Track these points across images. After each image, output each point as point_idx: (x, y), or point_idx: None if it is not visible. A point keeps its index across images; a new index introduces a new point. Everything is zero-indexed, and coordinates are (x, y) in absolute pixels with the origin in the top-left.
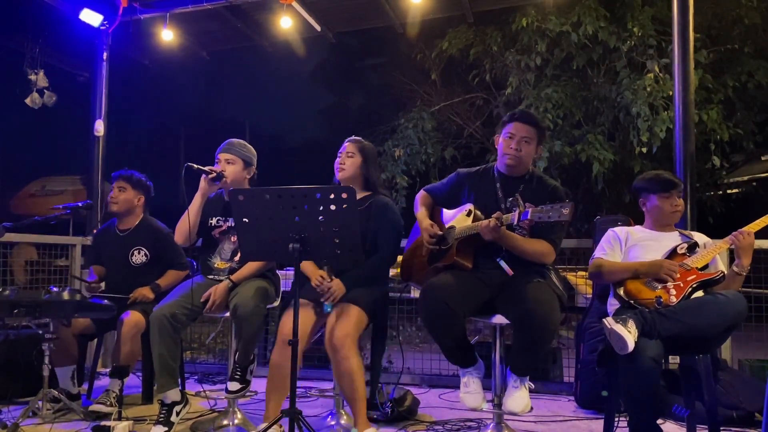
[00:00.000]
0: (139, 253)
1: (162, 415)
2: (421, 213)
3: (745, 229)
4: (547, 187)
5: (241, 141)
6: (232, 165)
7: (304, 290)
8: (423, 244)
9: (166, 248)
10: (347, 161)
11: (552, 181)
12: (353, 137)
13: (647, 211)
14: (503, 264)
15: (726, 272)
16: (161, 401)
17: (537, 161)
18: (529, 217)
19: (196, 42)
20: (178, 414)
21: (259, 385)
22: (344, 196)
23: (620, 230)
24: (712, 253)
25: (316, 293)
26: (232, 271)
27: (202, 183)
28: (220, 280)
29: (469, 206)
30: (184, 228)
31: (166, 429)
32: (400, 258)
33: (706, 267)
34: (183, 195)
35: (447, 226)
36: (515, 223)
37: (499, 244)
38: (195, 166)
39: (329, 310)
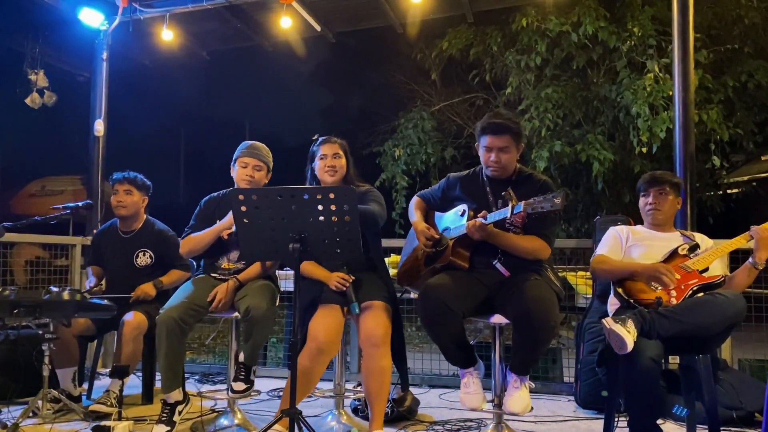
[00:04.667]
0: (143, 254)
1: (165, 415)
2: (416, 218)
3: (764, 225)
4: (537, 182)
5: (263, 145)
6: (260, 172)
7: (326, 294)
8: (419, 248)
9: (169, 249)
10: (337, 163)
11: (541, 176)
12: (328, 138)
13: None
14: (499, 266)
15: (727, 274)
16: (164, 401)
17: (536, 161)
18: (522, 209)
19: (196, 42)
20: (180, 413)
21: (258, 385)
22: (344, 195)
23: (621, 229)
24: (718, 254)
25: (338, 295)
26: (238, 272)
27: (223, 231)
28: (224, 280)
29: (463, 207)
30: (194, 249)
31: (169, 429)
32: (397, 258)
33: (706, 269)
34: None
35: (442, 227)
36: (509, 216)
37: (490, 242)
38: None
39: (357, 311)
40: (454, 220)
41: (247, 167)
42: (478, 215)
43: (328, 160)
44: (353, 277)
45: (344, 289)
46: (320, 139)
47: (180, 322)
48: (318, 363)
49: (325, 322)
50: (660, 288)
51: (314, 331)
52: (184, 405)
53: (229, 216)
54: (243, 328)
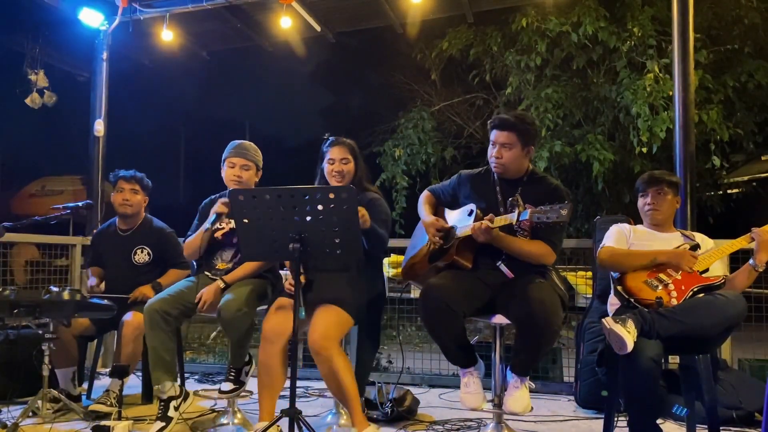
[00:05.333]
0: (141, 252)
1: (160, 411)
2: (425, 211)
3: (765, 227)
4: (547, 187)
5: (252, 144)
6: (248, 171)
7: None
8: (426, 243)
9: (168, 247)
10: (344, 168)
11: (554, 180)
12: (338, 140)
13: None
14: (503, 267)
15: (727, 275)
16: (158, 397)
17: (536, 161)
18: (527, 217)
19: (196, 42)
20: (176, 408)
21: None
22: (344, 196)
23: (625, 226)
24: (719, 255)
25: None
26: (229, 272)
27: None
28: (215, 280)
29: (472, 207)
30: (193, 249)
31: (164, 424)
32: (399, 258)
33: (707, 270)
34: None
35: (449, 225)
36: (515, 223)
37: (495, 245)
38: (213, 227)
39: (302, 316)
40: (461, 219)
41: (235, 167)
42: (485, 218)
43: (335, 165)
44: (303, 281)
45: (291, 292)
46: (330, 140)
47: (162, 314)
48: (267, 355)
49: (274, 316)
50: (661, 287)
51: (264, 323)
52: (181, 400)
53: (213, 216)
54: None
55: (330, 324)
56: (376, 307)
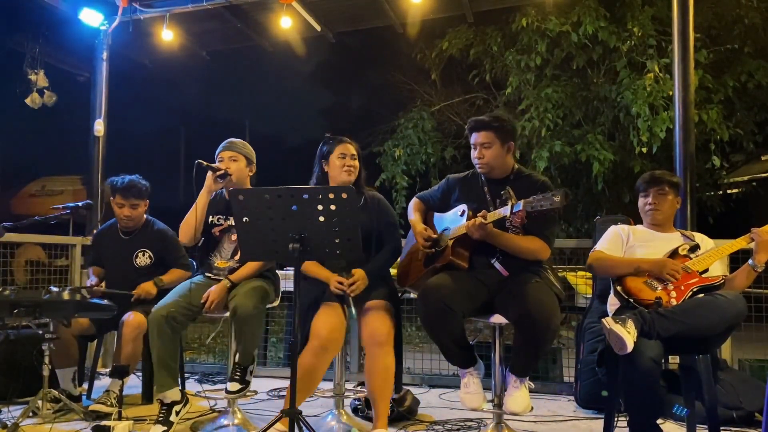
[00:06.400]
0: (143, 255)
1: (161, 415)
2: (414, 219)
3: (765, 227)
4: (535, 182)
5: (242, 140)
6: (236, 162)
7: (328, 293)
8: (418, 249)
9: (170, 249)
10: (354, 165)
11: (540, 176)
12: (345, 138)
13: None
14: (498, 265)
15: (727, 275)
16: (160, 401)
17: (536, 161)
18: (521, 207)
19: (196, 42)
20: (177, 413)
21: (258, 385)
22: (344, 196)
23: (623, 228)
24: (718, 255)
25: (339, 295)
26: (232, 270)
27: (209, 180)
28: (220, 280)
29: (463, 207)
30: (189, 224)
31: (165, 428)
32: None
33: (706, 270)
34: (194, 191)
35: (442, 228)
36: (508, 215)
37: (490, 242)
38: (204, 162)
39: (354, 316)
40: (454, 220)
41: (224, 161)
42: (478, 214)
43: (347, 160)
44: (349, 276)
45: (341, 293)
46: (337, 137)
47: (170, 320)
48: (321, 361)
49: (328, 320)
50: (660, 288)
51: (317, 329)
52: (182, 405)
53: (205, 186)
54: (234, 328)
55: (388, 319)
56: (397, 304)
